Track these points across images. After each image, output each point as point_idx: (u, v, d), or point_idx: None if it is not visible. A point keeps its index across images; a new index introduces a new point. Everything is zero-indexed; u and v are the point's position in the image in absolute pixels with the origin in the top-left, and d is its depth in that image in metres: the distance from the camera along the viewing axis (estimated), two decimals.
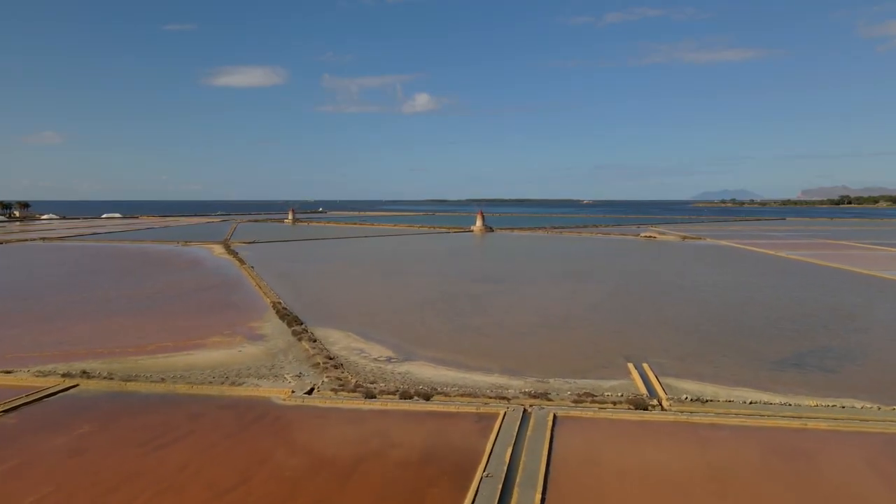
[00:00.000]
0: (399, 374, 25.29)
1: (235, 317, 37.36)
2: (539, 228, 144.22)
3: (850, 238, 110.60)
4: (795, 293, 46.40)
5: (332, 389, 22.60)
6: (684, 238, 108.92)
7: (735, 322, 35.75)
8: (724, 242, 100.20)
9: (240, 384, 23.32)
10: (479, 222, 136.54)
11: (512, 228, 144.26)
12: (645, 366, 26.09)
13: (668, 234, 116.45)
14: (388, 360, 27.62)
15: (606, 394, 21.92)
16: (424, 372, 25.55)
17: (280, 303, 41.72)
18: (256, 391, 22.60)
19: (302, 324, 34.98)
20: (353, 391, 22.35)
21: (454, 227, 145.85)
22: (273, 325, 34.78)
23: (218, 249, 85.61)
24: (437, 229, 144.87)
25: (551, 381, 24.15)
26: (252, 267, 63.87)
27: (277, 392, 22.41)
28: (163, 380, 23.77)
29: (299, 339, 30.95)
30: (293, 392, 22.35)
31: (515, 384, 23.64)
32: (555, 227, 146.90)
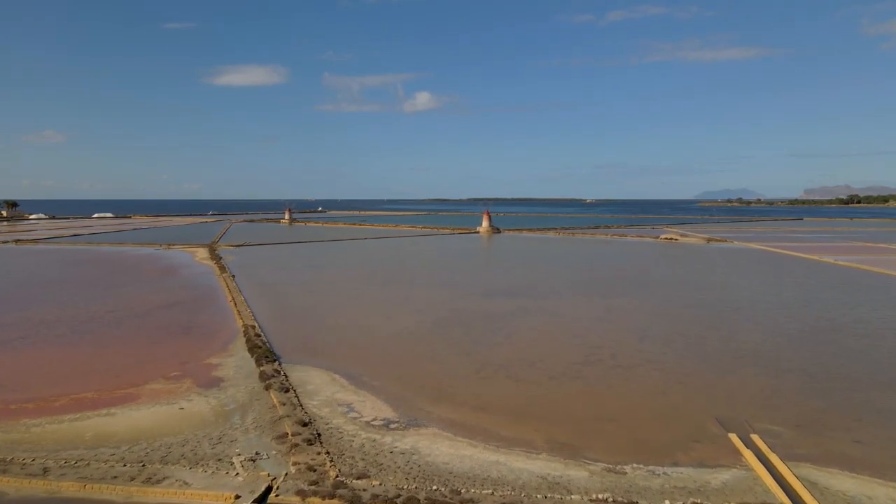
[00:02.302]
0: (401, 454, 17.31)
1: (194, 347, 29.43)
2: (548, 229, 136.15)
3: (885, 241, 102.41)
4: (880, 312, 38.41)
5: (299, 493, 14.66)
6: (709, 240, 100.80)
7: (834, 358, 27.75)
8: (754, 245, 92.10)
9: (160, 480, 15.35)
10: (485, 223, 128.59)
11: (520, 229, 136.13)
12: (755, 439, 18.11)
13: (690, 236, 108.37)
14: (387, 425, 19.66)
15: None
16: (438, 450, 17.57)
17: (254, 327, 33.79)
18: (181, 496, 14.66)
19: (276, 360, 27.03)
20: (332, 496, 14.43)
21: (458, 228, 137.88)
22: (238, 362, 26.85)
23: (201, 253, 77.75)
24: (441, 230, 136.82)
25: (628, 469, 16.19)
26: (233, 276, 55.98)
27: (213, 497, 14.49)
28: (46, 470, 15.83)
29: (267, 387, 23.02)
30: (237, 498, 14.43)
31: (577, 477, 15.69)
32: (565, 228, 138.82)
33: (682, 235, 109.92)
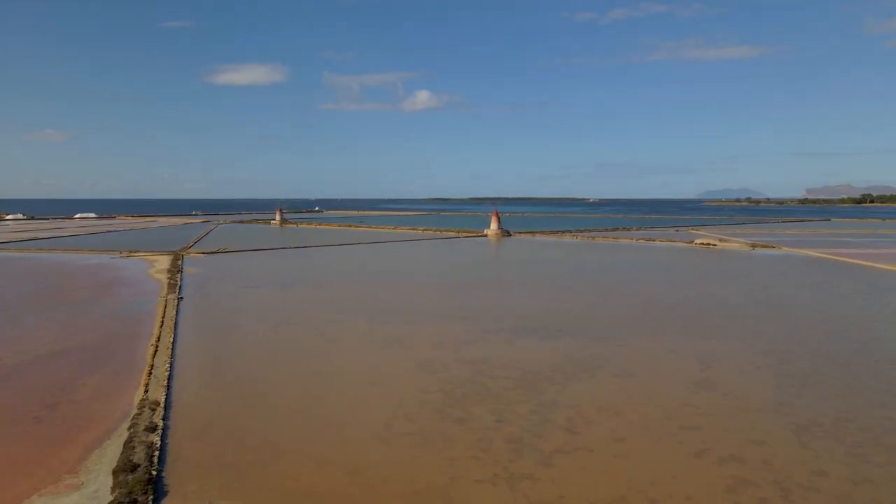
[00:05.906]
0: None
1: (25, 461, 16.71)
2: (564, 232, 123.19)
3: None
4: None
5: None
6: (753, 246, 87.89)
7: None
8: (809, 252, 79.29)
9: None
10: (493, 225, 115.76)
11: (532, 232, 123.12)
12: None
13: (728, 241, 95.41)
14: None
15: None
16: None
17: (158, 405, 21.08)
18: None
19: None
20: None
21: (464, 231, 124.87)
22: None
23: (161, 263, 65.09)
24: (445, 233, 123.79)
25: None
26: (181, 298, 43.33)
27: None
28: None
29: None
30: None
31: None
32: (580, 231, 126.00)
33: (719, 240, 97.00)
